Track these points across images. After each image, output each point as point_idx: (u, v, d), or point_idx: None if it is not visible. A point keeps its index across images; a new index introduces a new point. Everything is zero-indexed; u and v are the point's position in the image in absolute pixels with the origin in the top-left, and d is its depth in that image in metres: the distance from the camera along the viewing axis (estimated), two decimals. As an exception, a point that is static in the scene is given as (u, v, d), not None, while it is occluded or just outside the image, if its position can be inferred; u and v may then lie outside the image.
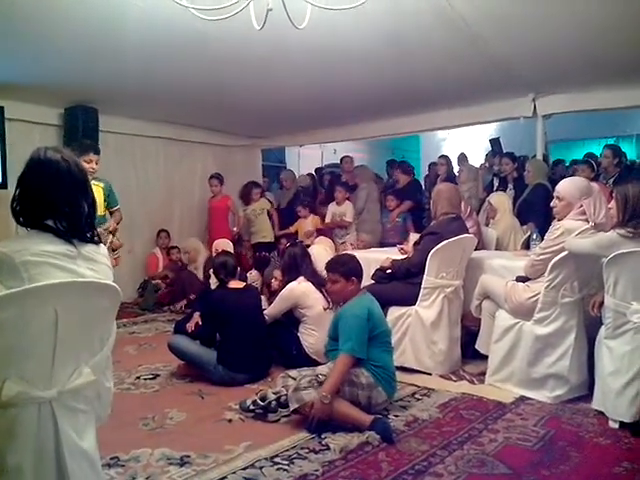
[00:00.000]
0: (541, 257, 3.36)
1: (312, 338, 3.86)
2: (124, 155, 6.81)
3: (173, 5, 2.66)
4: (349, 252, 4.46)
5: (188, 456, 2.59)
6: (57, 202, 1.64)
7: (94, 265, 1.69)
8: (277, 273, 4.75)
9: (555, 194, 3.43)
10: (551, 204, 3.46)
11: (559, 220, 3.37)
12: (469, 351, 4.00)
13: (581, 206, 3.26)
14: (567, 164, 7.33)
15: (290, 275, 4.11)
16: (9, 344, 1.46)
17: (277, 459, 2.57)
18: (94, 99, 5.80)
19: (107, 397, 1.76)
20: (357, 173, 7.40)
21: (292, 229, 6.99)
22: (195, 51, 4.21)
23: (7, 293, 1.45)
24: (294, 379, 3.01)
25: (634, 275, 2.84)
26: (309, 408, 2.85)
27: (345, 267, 3.23)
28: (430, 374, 3.81)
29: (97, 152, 3.95)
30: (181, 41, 3.97)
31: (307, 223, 6.85)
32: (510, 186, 5.98)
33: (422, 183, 7.78)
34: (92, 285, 1.62)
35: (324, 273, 4.43)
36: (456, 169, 7.08)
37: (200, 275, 6.32)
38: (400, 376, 3.33)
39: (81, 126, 5.85)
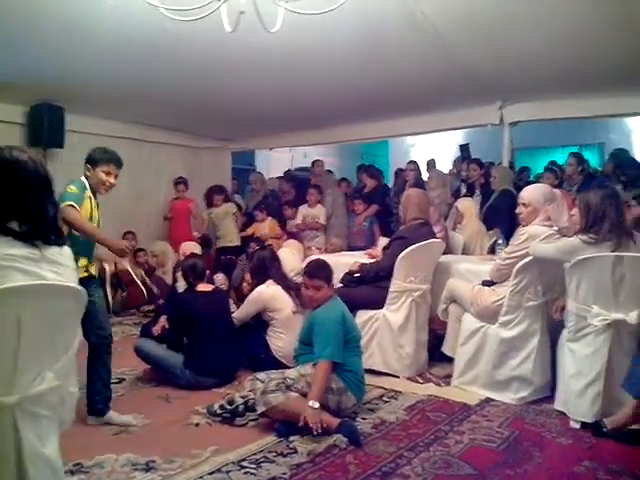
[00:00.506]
0: (506, 262, 3.43)
1: (281, 341, 3.85)
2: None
3: (145, 5, 2.63)
4: (317, 256, 4.46)
5: (154, 461, 2.56)
6: (25, 203, 1.61)
7: (58, 268, 1.65)
8: (248, 277, 4.72)
9: (520, 201, 3.49)
10: (517, 211, 3.53)
11: (524, 226, 3.44)
12: (436, 354, 4.05)
13: (546, 212, 3.34)
14: (539, 171, 7.40)
15: (259, 278, 4.10)
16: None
17: (245, 463, 2.55)
18: (61, 97, 5.68)
19: (71, 402, 1.73)
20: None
21: (249, 231, 6.99)
22: (165, 51, 4.16)
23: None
24: (262, 382, 2.99)
25: (595, 280, 2.92)
26: (277, 412, 2.85)
27: (325, 272, 3.22)
28: (397, 377, 3.84)
29: (120, 166, 3.18)
30: (151, 41, 3.92)
31: (264, 226, 6.87)
32: (477, 192, 6.08)
33: (391, 188, 7.81)
34: (55, 288, 1.59)
35: (291, 276, 4.45)
36: (425, 175, 7.15)
37: (169, 280, 6.22)
38: (368, 379, 3.34)
39: (46, 124, 5.73)
